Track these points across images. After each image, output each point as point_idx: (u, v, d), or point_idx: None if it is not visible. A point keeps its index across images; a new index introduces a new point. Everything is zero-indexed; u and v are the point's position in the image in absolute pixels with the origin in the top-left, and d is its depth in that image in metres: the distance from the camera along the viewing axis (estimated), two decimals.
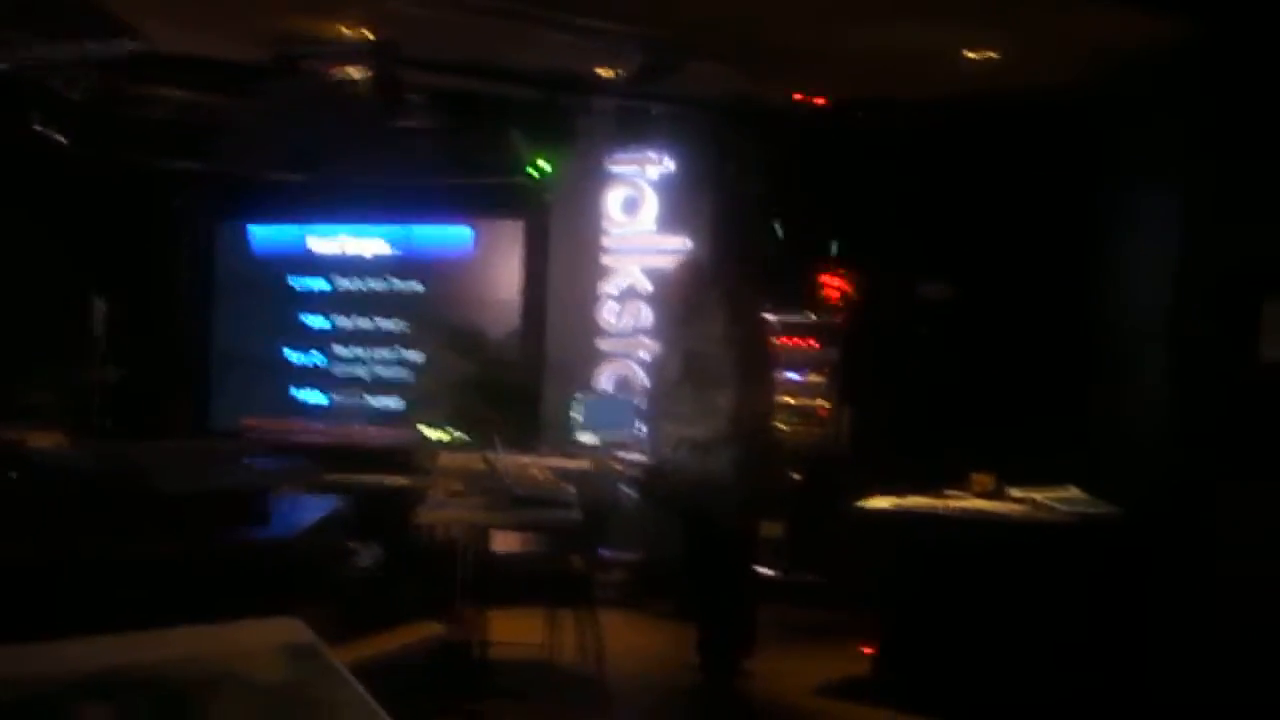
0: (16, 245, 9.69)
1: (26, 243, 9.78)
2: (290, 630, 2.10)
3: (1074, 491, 6.57)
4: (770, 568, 8.14)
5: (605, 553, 7.78)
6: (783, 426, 8.29)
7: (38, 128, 9.08)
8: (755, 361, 6.90)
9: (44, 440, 5.90)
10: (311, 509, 5.43)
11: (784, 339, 8.66)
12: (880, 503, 6.58)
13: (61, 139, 9.24)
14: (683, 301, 7.12)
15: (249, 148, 10.10)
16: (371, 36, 7.72)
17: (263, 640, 2.06)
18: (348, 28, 7.64)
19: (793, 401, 8.62)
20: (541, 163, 9.20)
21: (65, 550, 4.01)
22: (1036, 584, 6.16)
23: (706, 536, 6.78)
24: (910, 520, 6.45)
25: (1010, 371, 8.13)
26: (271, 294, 11.15)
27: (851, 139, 8.62)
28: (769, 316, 8.11)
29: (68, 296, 9.78)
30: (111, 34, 7.75)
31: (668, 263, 8.79)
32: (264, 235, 11.38)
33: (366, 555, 6.09)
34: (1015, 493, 6.56)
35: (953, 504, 6.48)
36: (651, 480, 7.70)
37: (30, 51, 8.05)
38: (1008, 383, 8.08)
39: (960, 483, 6.66)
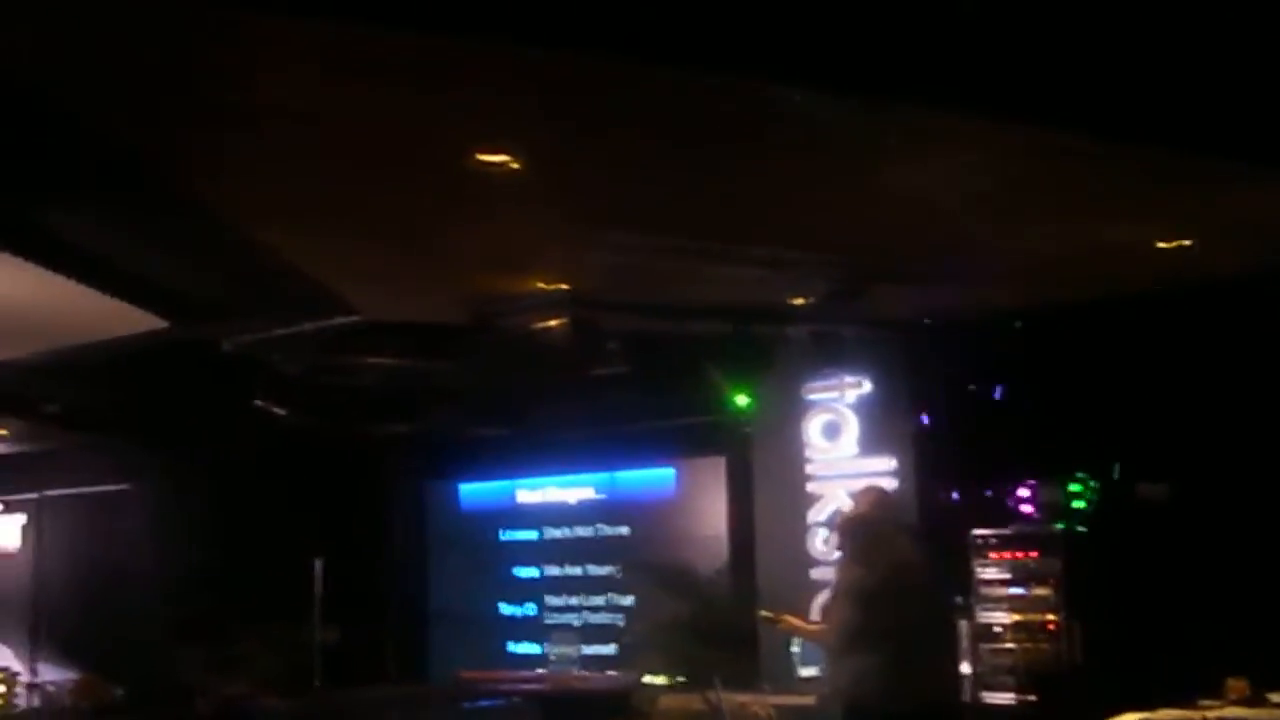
0: (243, 513, 10.12)
1: (251, 510, 10.20)
2: None
3: None
4: None
5: None
6: (1011, 645, 7.96)
7: (259, 401, 9.57)
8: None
9: (269, 698, 6.01)
10: None
11: (1002, 553, 8.36)
12: (1129, 718, 6.17)
13: (280, 411, 9.71)
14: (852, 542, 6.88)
15: (455, 407, 10.46)
16: (566, 288, 7.93)
17: None
18: (543, 282, 7.88)
19: (1020, 618, 8.24)
20: (739, 397, 9.24)
21: None
22: None
23: None
24: None
25: (1245, 568, 7.65)
26: (482, 548, 11.36)
27: (1051, 344, 8.46)
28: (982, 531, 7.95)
29: (289, 559, 10.10)
30: (328, 311, 8.18)
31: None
32: (472, 491, 11.65)
33: None
34: (1274, 697, 6.09)
35: (1210, 715, 6.03)
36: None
37: (254, 332, 8.55)
38: (1244, 580, 7.60)
39: (1212, 691, 6.22)
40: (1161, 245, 7.06)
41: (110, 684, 8.47)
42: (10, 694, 10.19)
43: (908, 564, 6.34)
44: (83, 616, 11.85)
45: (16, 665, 12.09)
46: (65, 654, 11.82)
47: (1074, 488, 8.53)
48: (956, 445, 8.92)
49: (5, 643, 12.45)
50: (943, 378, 8.84)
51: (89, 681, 9.14)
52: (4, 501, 13.02)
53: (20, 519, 12.97)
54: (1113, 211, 6.62)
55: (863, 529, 6.49)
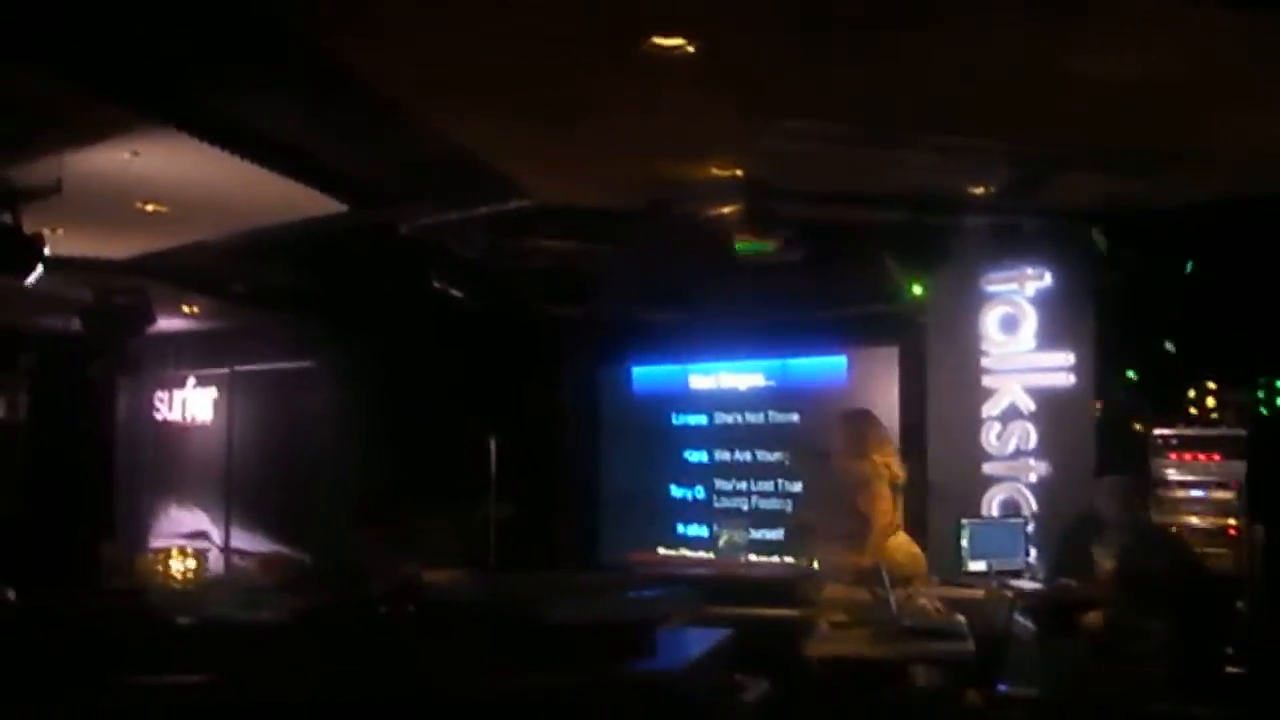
0: (420, 393, 10.39)
1: (429, 390, 10.47)
2: None
3: None
4: None
5: (1003, 688, 7.42)
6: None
7: (437, 284, 9.76)
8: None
9: (440, 575, 6.20)
10: (698, 641, 5.43)
11: (1184, 454, 8.12)
12: None
13: (458, 293, 9.89)
14: None
15: (628, 291, 10.51)
16: (741, 174, 7.86)
17: None
18: (718, 168, 7.81)
19: (1198, 521, 8.03)
20: (915, 286, 9.08)
21: (458, 681, 4.14)
22: None
23: None
24: None
25: None
26: (653, 431, 11.46)
27: (1243, 238, 8.09)
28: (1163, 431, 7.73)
29: (465, 439, 10.34)
30: (504, 195, 8.26)
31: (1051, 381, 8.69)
32: (645, 375, 11.74)
33: (754, 689, 6.01)
34: None
35: None
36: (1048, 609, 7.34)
37: (431, 216, 8.70)
38: None
39: None
40: None
41: (297, 556, 8.84)
42: (201, 564, 10.77)
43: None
44: (271, 488, 12.42)
45: (213, 530, 12.75)
46: (255, 523, 12.43)
47: (1260, 389, 8.23)
48: (1138, 342, 8.65)
49: (202, 509, 13.13)
50: (1127, 271, 8.55)
51: (274, 557, 9.56)
52: (197, 376, 13.63)
53: (212, 393, 13.58)
54: None
55: (854, 424, 7.79)
